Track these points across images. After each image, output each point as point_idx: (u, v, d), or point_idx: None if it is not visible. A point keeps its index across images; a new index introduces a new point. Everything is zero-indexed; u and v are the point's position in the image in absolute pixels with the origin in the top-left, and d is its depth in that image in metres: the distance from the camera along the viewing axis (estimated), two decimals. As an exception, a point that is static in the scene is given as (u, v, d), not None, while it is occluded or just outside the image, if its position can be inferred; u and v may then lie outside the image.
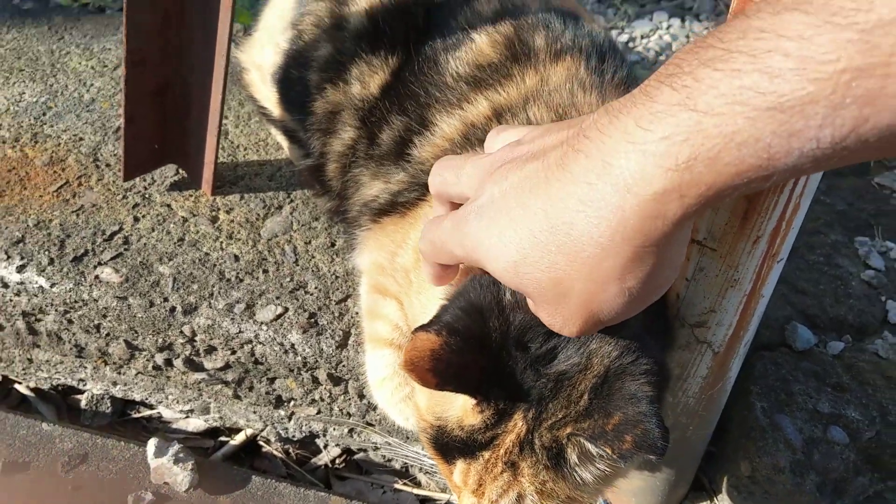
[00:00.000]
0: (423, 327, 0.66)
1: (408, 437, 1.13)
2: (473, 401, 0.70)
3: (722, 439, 1.07)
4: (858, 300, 1.15)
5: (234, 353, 1.07)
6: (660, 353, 0.74)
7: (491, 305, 0.69)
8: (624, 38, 1.88)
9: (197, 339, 1.07)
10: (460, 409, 0.72)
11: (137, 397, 1.20)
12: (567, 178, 0.52)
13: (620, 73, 0.96)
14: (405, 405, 0.96)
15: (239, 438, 1.23)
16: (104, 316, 1.08)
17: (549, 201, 0.53)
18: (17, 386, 1.28)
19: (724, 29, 0.46)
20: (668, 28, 1.94)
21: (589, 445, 0.67)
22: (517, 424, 0.69)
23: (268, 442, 1.23)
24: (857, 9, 0.39)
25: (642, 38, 1.90)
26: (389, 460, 1.19)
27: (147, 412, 1.26)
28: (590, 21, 1.07)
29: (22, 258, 1.09)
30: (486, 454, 0.71)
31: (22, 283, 1.08)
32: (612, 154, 0.49)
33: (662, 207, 0.48)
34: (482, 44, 1.00)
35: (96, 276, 1.08)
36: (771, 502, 1.02)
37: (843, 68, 0.40)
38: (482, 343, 0.68)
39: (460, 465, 0.74)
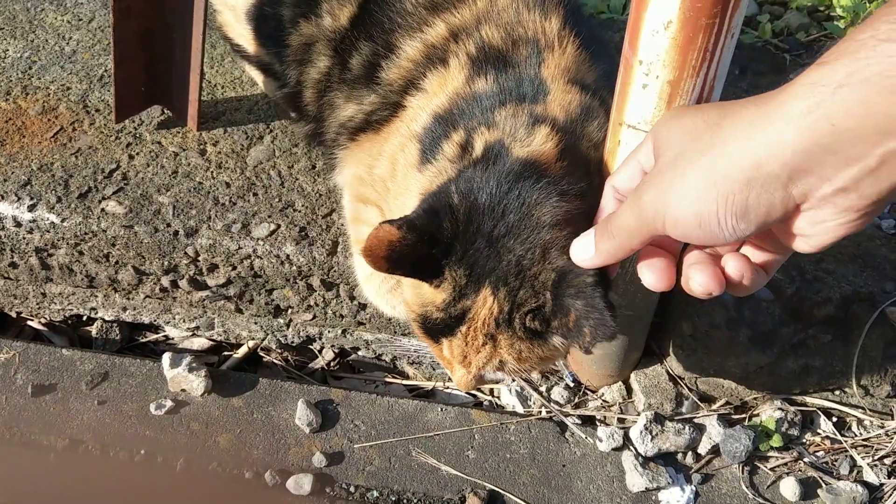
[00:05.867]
0: (389, 221, 0.81)
1: (395, 332, 1.28)
2: (434, 285, 0.85)
3: (665, 309, 1.23)
4: (779, 181, 1.31)
5: (234, 268, 1.20)
6: None
7: (444, 207, 0.83)
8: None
9: (200, 258, 1.19)
10: (430, 293, 0.87)
11: (146, 320, 1.33)
12: None
13: None
14: (391, 296, 1.11)
15: (241, 351, 1.36)
16: (113, 245, 1.20)
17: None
18: (29, 322, 1.39)
19: None
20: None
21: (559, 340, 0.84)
22: (487, 302, 0.84)
23: (268, 351, 1.36)
24: None
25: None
26: (380, 356, 1.34)
27: (153, 336, 1.38)
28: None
29: (31, 198, 1.20)
30: (463, 329, 0.87)
31: (34, 220, 1.19)
32: None
33: None
34: (436, -27, 1.11)
35: (102, 209, 1.20)
36: (711, 356, 1.19)
37: None
38: (434, 238, 0.83)
39: (445, 343, 0.90)
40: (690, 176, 0.62)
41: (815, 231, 0.61)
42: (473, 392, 1.33)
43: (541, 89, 0.96)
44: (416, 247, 0.81)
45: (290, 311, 1.26)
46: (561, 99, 0.94)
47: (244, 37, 1.31)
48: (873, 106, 0.52)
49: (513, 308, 0.84)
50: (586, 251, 0.78)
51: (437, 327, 0.89)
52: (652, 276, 0.73)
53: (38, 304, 1.33)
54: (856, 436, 1.23)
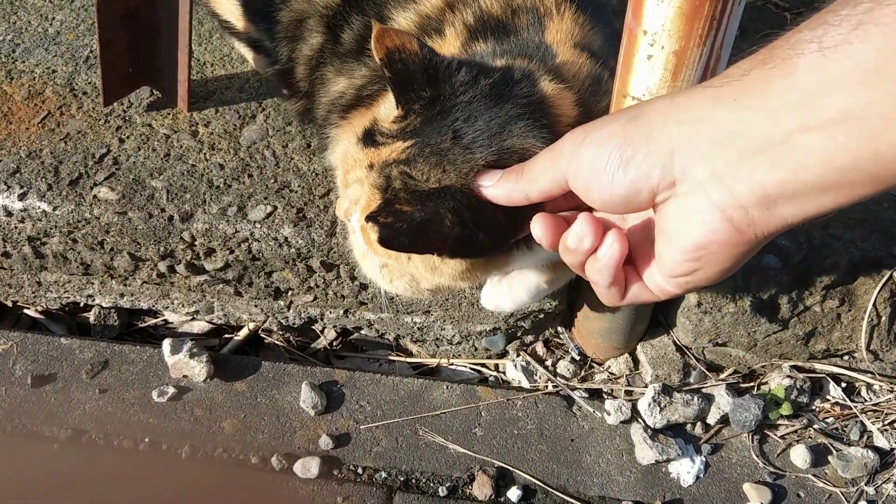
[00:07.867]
0: (421, 42, 0.80)
1: (398, 311, 1.26)
2: (398, 111, 0.82)
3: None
4: (783, 145, 1.29)
5: (232, 252, 1.18)
6: None
7: (472, 74, 0.81)
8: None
9: (196, 243, 1.17)
10: (390, 115, 0.84)
11: (145, 306, 1.31)
12: None
13: None
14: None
15: (242, 333, 1.35)
16: (107, 232, 1.17)
17: None
18: (25, 311, 1.37)
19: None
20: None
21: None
22: (398, 147, 0.80)
23: (269, 333, 1.35)
24: None
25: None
26: (383, 335, 1.32)
27: (152, 320, 1.37)
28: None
29: (21, 186, 1.17)
30: (371, 149, 0.83)
31: (25, 209, 1.16)
32: None
33: None
34: (430, -60, 1.07)
35: (95, 196, 1.17)
36: (717, 325, 1.18)
37: None
38: (432, 83, 0.80)
39: (360, 147, 0.86)
40: (614, 119, 0.62)
41: (681, 227, 0.58)
42: (478, 367, 1.32)
43: (548, 52, 0.93)
44: (414, 72, 0.79)
45: (290, 293, 1.25)
46: (571, 64, 0.91)
47: (232, 13, 1.27)
48: (772, 88, 0.52)
49: (406, 164, 0.80)
50: (490, 179, 0.76)
51: (367, 135, 0.86)
52: (539, 228, 0.70)
53: (33, 292, 1.31)
54: (865, 401, 1.22)
